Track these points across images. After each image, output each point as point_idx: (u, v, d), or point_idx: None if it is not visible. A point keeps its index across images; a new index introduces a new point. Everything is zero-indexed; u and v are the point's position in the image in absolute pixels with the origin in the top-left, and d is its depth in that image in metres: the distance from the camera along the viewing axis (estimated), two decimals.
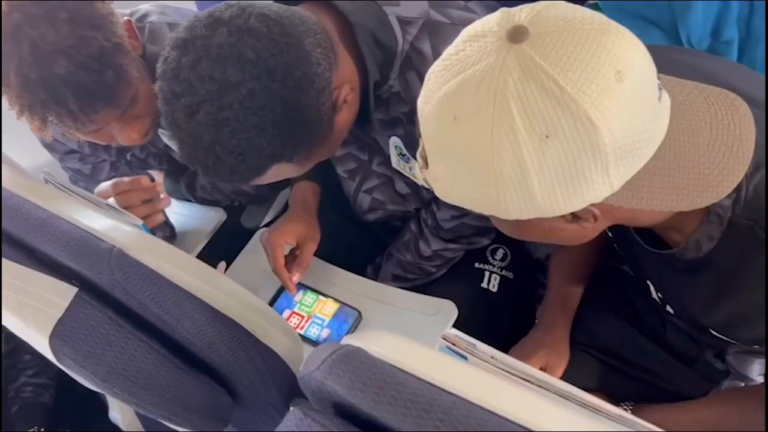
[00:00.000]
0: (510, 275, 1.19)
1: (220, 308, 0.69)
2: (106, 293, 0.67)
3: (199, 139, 0.77)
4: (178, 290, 0.67)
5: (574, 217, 0.65)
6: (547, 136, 0.57)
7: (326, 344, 0.53)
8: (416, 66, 0.90)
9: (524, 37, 0.58)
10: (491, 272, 1.18)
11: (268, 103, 0.75)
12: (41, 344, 0.65)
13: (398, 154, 1.02)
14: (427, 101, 0.64)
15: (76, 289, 0.65)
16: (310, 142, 0.82)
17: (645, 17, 1.11)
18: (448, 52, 0.64)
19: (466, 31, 0.64)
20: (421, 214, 1.15)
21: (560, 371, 1.03)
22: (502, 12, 0.62)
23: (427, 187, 0.69)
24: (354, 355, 0.49)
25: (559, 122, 0.56)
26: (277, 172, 0.84)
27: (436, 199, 1.03)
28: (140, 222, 0.91)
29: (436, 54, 0.87)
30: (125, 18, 1.03)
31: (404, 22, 0.90)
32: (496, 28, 0.60)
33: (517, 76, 0.57)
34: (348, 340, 0.52)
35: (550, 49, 0.57)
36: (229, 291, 0.71)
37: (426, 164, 0.68)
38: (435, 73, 0.64)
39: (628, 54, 0.58)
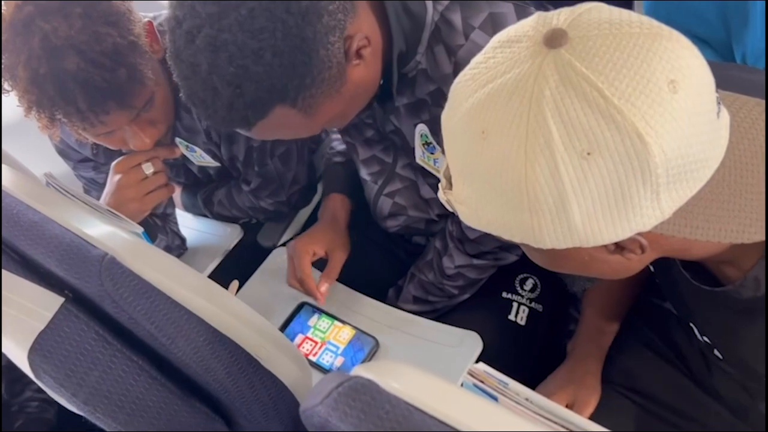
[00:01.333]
0: (539, 308, 1.11)
1: (221, 328, 0.62)
2: (96, 306, 0.61)
3: (198, 68, 0.73)
4: (174, 306, 0.60)
5: (618, 247, 0.58)
6: (588, 154, 0.50)
7: (333, 374, 0.46)
8: (445, 38, 0.85)
9: (563, 42, 0.52)
10: (520, 303, 1.10)
11: (268, 26, 0.70)
12: (20, 358, 0.58)
13: (423, 144, 0.96)
14: (452, 114, 0.58)
15: (62, 300, 0.59)
16: (315, 84, 0.75)
17: (694, 34, 1.03)
18: (476, 60, 0.58)
19: (497, 37, 0.58)
20: (447, 226, 1.10)
21: (590, 408, 0.94)
22: (537, 16, 0.56)
23: (450, 209, 0.63)
24: (364, 388, 0.42)
25: (604, 138, 0.50)
26: (280, 120, 0.77)
27: None
28: (140, 230, 0.85)
29: (467, 27, 0.84)
30: (147, 19, 0.99)
31: None
32: (531, 32, 0.54)
33: (554, 85, 0.50)
34: (359, 371, 0.45)
35: (593, 54, 0.51)
36: (232, 310, 0.64)
37: (450, 185, 0.62)
38: (461, 83, 0.58)
39: (683, 62, 0.51)
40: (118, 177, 1.08)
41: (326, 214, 1.18)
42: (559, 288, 1.15)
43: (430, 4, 0.85)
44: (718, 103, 0.55)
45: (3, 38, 0.87)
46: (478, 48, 0.59)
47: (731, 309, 0.70)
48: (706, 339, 0.82)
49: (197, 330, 0.61)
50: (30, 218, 0.63)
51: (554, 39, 0.52)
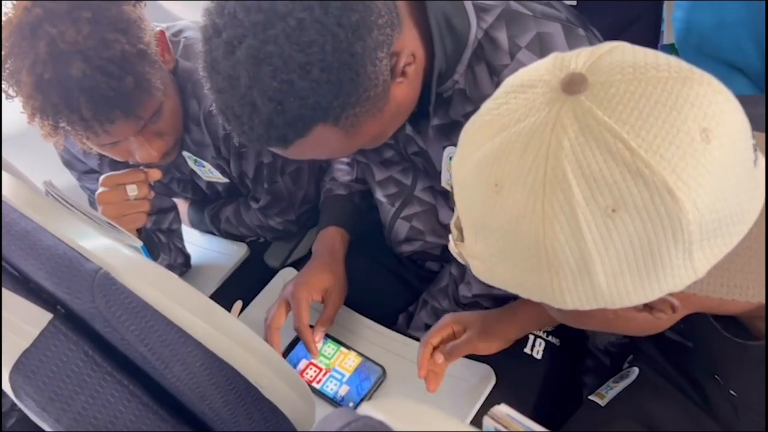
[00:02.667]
0: (556, 342, 1.06)
1: (220, 353, 0.58)
2: (87, 324, 0.57)
3: (236, 82, 0.67)
4: (170, 327, 0.56)
5: (647, 306, 0.54)
6: (613, 211, 0.46)
7: (340, 411, 0.42)
8: (488, 57, 0.80)
9: (582, 87, 0.48)
10: (536, 336, 1.04)
11: (317, 39, 0.65)
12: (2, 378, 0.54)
13: (451, 168, 0.91)
14: (463, 164, 0.54)
15: (50, 316, 0.55)
16: (360, 103, 0.71)
17: (729, 62, 0.99)
18: (487, 106, 0.54)
19: (509, 81, 0.54)
20: None
21: (468, 349, 0.93)
22: (554, 57, 0.52)
23: (461, 262, 0.59)
24: (374, 430, 0.37)
25: (630, 193, 0.46)
26: (319, 139, 0.72)
27: None
28: (139, 244, 0.81)
29: (513, 46, 0.80)
30: (159, 28, 0.97)
31: (480, 9, 0.81)
32: (548, 76, 0.50)
33: (574, 135, 0.46)
34: (368, 409, 0.40)
35: (617, 102, 0.47)
36: (232, 333, 0.59)
37: (461, 236, 0.58)
38: (472, 130, 0.54)
39: (716, 108, 0.47)
40: (101, 190, 1.03)
41: (323, 250, 1.10)
42: None
43: (474, 21, 0.81)
44: (755, 150, 0.51)
45: (9, 42, 0.84)
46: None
47: (762, 362, 0.65)
48: (732, 392, 0.77)
49: (194, 354, 0.56)
50: (23, 227, 0.59)
51: (572, 85, 0.48)
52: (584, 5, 0.87)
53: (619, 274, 0.48)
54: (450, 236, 0.61)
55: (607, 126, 0.46)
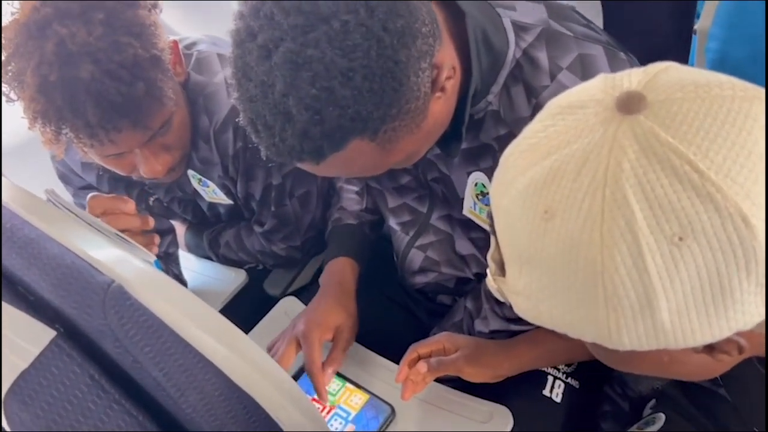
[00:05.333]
0: (576, 384, 1.00)
1: (240, 381, 0.52)
2: (94, 344, 0.51)
3: (270, 89, 0.61)
4: (188, 350, 0.50)
5: (708, 347, 0.49)
6: (680, 239, 0.42)
7: None
8: (526, 77, 0.77)
9: (641, 106, 0.44)
10: (555, 378, 0.99)
11: (362, 44, 0.60)
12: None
13: (476, 195, 0.87)
14: (505, 191, 0.50)
15: (53, 334, 0.49)
16: (401, 116, 0.66)
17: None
18: (532, 128, 0.50)
19: (555, 103, 0.50)
20: (484, 285, 1.00)
21: (454, 368, 0.92)
22: (603, 78, 0.49)
23: (501, 300, 0.55)
24: None
25: (699, 220, 0.42)
26: (354, 154, 0.67)
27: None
28: (153, 258, 0.75)
29: (554, 66, 0.77)
30: (172, 39, 0.92)
31: (520, 28, 0.78)
32: (600, 95, 0.47)
33: (634, 157, 0.43)
34: None
35: (680, 121, 0.43)
36: (254, 360, 0.53)
37: (501, 271, 0.53)
38: (514, 154, 0.50)
39: None
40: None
41: (332, 282, 1.04)
42: (595, 363, 1.04)
43: (512, 39, 0.77)
44: None
45: (14, 41, 0.79)
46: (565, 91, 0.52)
47: None
48: None
49: (213, 382, 0.50)
50: (26, 234, 0.53)
51: (630, 103, 0.45)
52: (611, 35, 0.84)
53: (685, 310, 0.44)
54: (488, 271, 0.56)
55: (672, 147, 0.42)
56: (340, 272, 1.06)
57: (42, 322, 0.50)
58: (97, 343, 0.50)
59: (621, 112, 0.45)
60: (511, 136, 0.79)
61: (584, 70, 0.76)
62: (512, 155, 0.51)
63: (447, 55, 0.71)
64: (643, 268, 0.43)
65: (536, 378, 0.99)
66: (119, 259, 0.54)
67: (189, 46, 1.03)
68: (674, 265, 0.42)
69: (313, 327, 0.96)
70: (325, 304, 1.00)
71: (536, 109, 0.75)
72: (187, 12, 1.54)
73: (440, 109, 0.72)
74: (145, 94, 0.82)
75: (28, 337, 0.49)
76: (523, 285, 0.50)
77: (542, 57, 0.77)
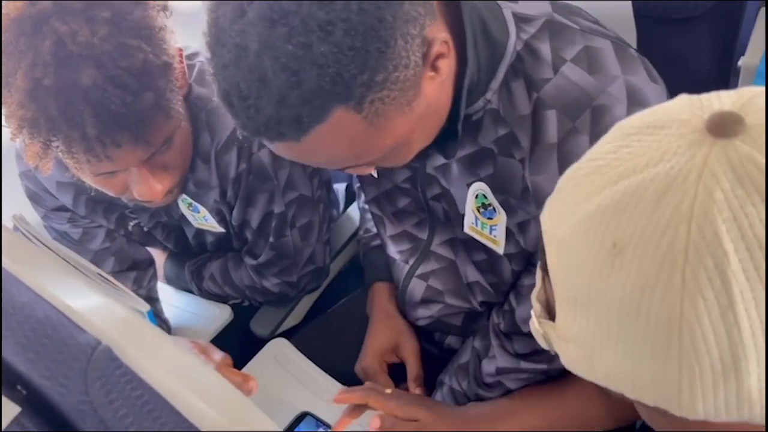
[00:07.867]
0: None
1: None
2: (68, 422, 0.39)
3: (245, 51, 0.56)
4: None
5: None
6: None
7: None
8: (527, 70, 0.71)
9: (738, 130, 0.39)
10: None
11: None
12: None
13: (477, 208, 0.82)
14: (562, 220, 0.44)
15: (17, 410, 0.37)
16: (388, 86, 0.60)
17: None
18: (599, 149, 0.44)
19: (627, 123, 0.44)
20: (492, 318, 0.92)
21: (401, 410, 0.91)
22: (688, 98, 0.43)
23: (545, 347, 0.49)
24: None
25: None
26: (339, 129, 0.61)
27: (516, 289, 0.86)
28: (146, 308, 0.63)
29: (557, 58, 0.72)
30: (177, 46, 0.83)
31: (521, 19, 0.73)
32: (686, 115, 0.41)
33: (729, 186, 0.37)
34: None
35: None
36: None
37: (550, 315, 0.48)
38: (576, 177, 0.44)
39: None
40: None
41: (375, 311, 1.06)
42: None
43: (513, 30, 0.72)
44: None
45: (5, 38, 0.69)
46: (570, 84, 0.47)
47: None
48: None
49: None
50: None
51: (725, 126, 0.39)
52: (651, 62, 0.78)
53: None
54: (532, 312, 0.50)
55: None
56: (379, 299, 1.07)
57: (9, 391, 0.38)
58: (72, 421, 0.39)
59: (713, 135, 0.39)
60: (511, 137, 0.75)
61: (590, 63, 0.71)
62: (573, 179, 0.45)
63: (440, 32, 0.66)
64: (732, 322, 0.37)
65: None
66: (105, 310, 0.43)
67: (191, 56, 0.93)
68: None
69: (368, 357, 1.01)
70: (374, 331, 1.04)
71: (536, 104, 0.73)
72: (185, 21, 1.45)
73: (434, 92, 0.67)
74: (154, 106, 0.72)
75: None
76: (576, 331, 0.44)
77: (545, 49, 0.72)
